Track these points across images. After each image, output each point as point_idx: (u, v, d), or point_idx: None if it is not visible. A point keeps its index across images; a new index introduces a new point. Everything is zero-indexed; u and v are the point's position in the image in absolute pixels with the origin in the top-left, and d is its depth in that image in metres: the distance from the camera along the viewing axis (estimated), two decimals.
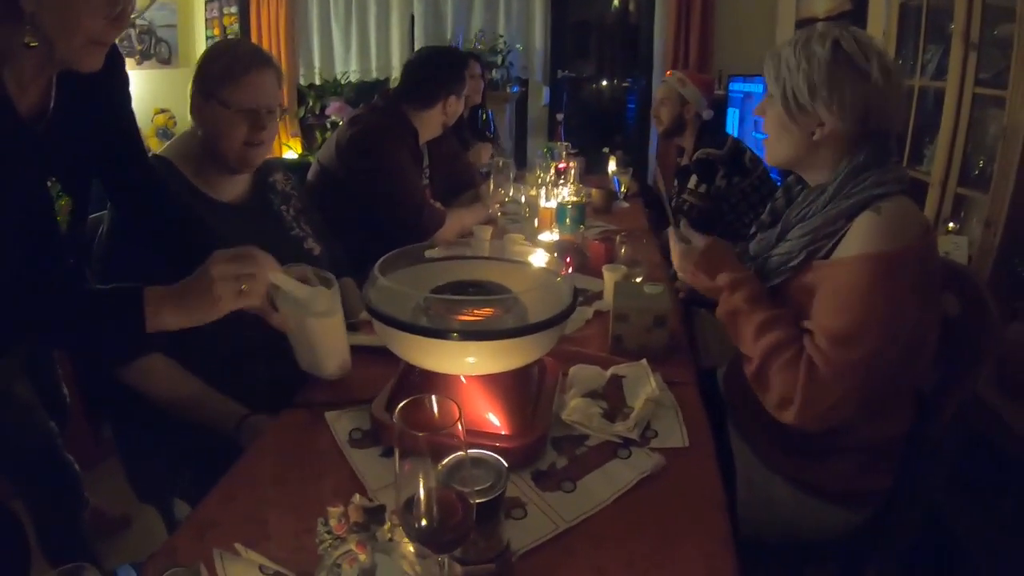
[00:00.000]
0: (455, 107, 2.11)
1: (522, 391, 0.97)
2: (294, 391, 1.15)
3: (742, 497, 1.19)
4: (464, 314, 0.90)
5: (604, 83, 5.28)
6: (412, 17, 4.36)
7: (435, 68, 2.09)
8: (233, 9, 4.17)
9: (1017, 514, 1.39)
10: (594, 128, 5.25)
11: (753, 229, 1.34)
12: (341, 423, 1.03)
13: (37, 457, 1.25)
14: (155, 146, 4.10)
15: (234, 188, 1.40)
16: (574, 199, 1.74)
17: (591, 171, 3.31)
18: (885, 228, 1.02)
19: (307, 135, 4.46)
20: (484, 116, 3.10)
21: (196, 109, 1.33)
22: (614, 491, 0.89)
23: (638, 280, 1.61)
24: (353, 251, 1.79)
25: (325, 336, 1.09)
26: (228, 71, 1.29)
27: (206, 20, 4.25)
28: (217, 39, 4.31)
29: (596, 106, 5.30)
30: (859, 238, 1.04)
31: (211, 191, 1.35)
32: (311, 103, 4.40)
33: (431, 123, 2.10)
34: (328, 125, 4.33)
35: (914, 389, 1.17)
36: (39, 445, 1.25)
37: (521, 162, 4.54)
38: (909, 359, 1.08)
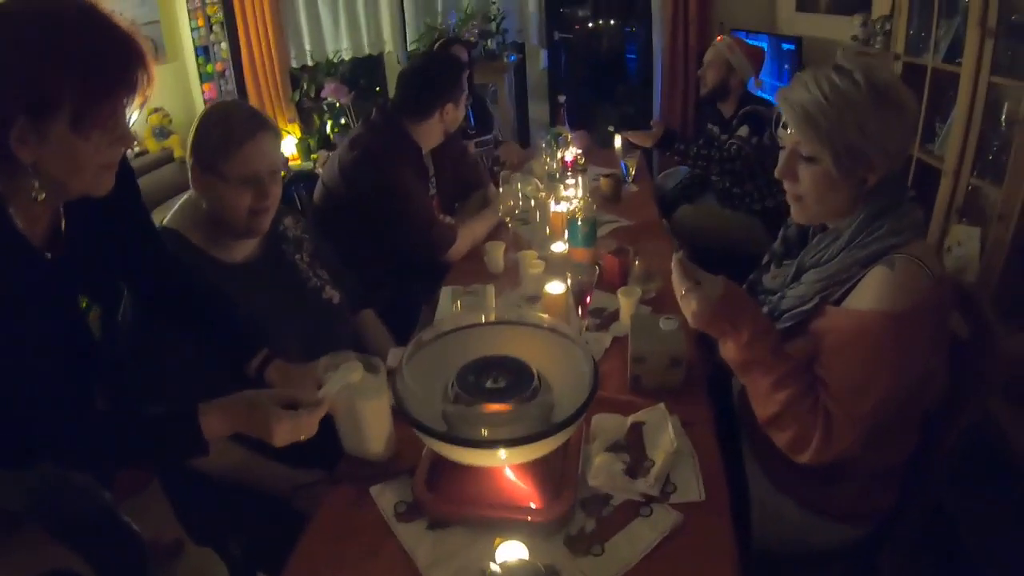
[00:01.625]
0: (454, 115, 2.07)
1: (551, 464, 1.04)
2: (338, 448, 1.19)
3: (755, 515, 1.26)
4: (491, 403, 0.96)
5: (602, 36, 5.14)
6: None
7: (430, 77, 2.04)
8: None
9: (1017, 512, 1.46)
10: (595, 83, 5.15)
11: (766, 258, 1.36)
12: (386, 497, 1.09)
13: (101, 530, 1.32)
14: (152, 147, 4.07)
15: (245, 247, 1.42)
16: (584, 215, 1.75)
17: (595, 141, 3.26)
18: (898, 286, 1.03)
19: (305, 119, 4.41)
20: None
21: (197, 181, 1.33)
22: (637, 552, 0.97)
23: (653, 295, 1.65)
24: (367, 274, 1.83)
25: (373, 420, 1.13)
26: (225, 142, 1.28)
27: (189, 12, 4.14)
28: (202, 31, 4.21)
29: (596, 60, 5.17)
30: (872, 292, 1.05)
31: (223, 254, 1.37)
32: (305, 86, 4.33)
33: (431, 134, 2.07)
34: (325, 108, 4.28)
35: (921, 414, 1.21)
36: (101, 519, 1.33)
37: (524, 134, 4.49)
38: (918, 393, 1.12)
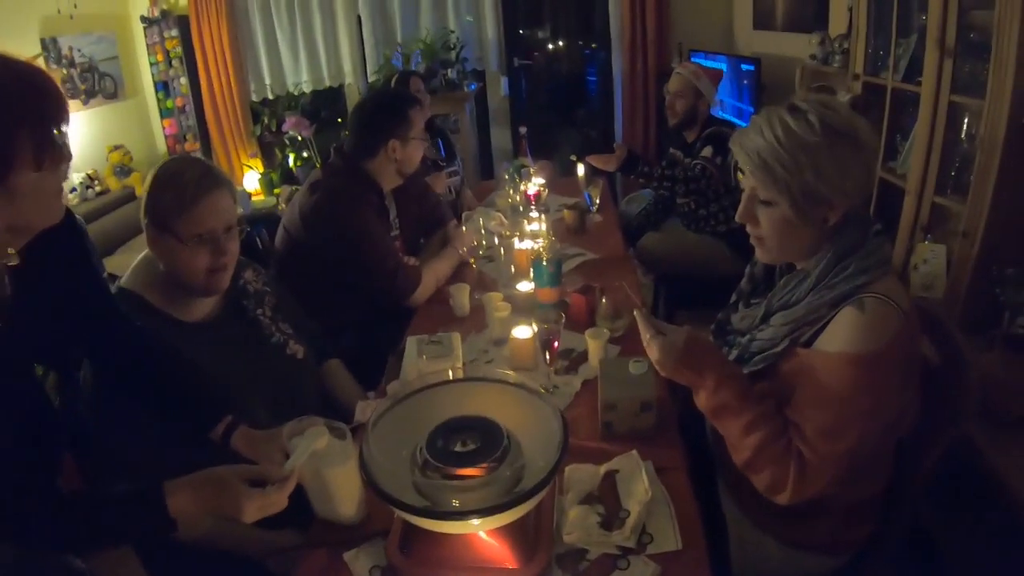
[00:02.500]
0: (403, 153, 1.99)
1: (525, 523, 1.03)
2: (311, 508, 1.17)
3: (735, 554, 1.26)
4: (461, 468, 0.95)
5: (562, 60, 5.21)
6: (359, 19, 4.23)
7: (372, 114, 2.00)
8: (174, 32, 4.01)
9: (997, 531, 1.49)
10: (557, 108, 5.21)
11: (734, 297, 1.36)
12: (360, 562, 1.07)
13: None
14: (114, 185, 3.99)
15: (205, 306, 1.39)
16: (549, 255, 1.76)
17: (557, 169, 3.28)
18: (867, 328, 1.03)
19: (266, 153, 4.37)
20: (434, 143, 3.01)
21: (152, 242, 1.30)
22: None
23: (621, 334, 1.65)
24: (331, 319, 1.81)
25: (342, 485, 1.11)
26: (179, 202, 1.25)
27: (148, 47, 4.08)
28: (161, 66, 4.15)
29: (556, 84, 5.23)
30: (841, 334, 1.05)
31: (182, 314, 1.34)
32: (266, 120, 4.29)
33: (385, 173, 2.02)
34: (287, 141, 4.25)
35: (896, 444, 1.20)
36: None
37: (487, 163, 4.51)
38: (892, 426, 1.12)
